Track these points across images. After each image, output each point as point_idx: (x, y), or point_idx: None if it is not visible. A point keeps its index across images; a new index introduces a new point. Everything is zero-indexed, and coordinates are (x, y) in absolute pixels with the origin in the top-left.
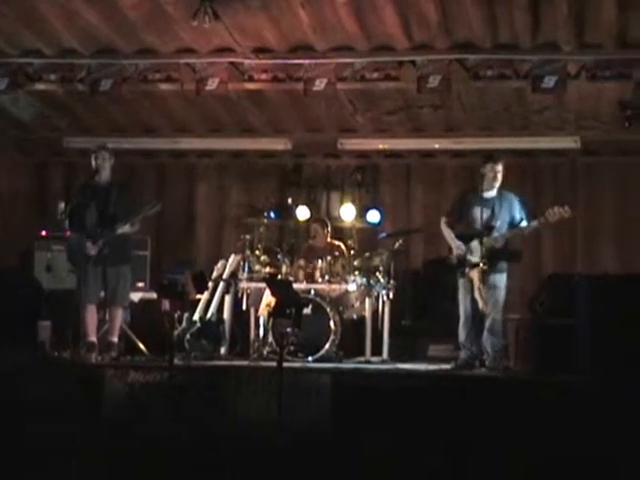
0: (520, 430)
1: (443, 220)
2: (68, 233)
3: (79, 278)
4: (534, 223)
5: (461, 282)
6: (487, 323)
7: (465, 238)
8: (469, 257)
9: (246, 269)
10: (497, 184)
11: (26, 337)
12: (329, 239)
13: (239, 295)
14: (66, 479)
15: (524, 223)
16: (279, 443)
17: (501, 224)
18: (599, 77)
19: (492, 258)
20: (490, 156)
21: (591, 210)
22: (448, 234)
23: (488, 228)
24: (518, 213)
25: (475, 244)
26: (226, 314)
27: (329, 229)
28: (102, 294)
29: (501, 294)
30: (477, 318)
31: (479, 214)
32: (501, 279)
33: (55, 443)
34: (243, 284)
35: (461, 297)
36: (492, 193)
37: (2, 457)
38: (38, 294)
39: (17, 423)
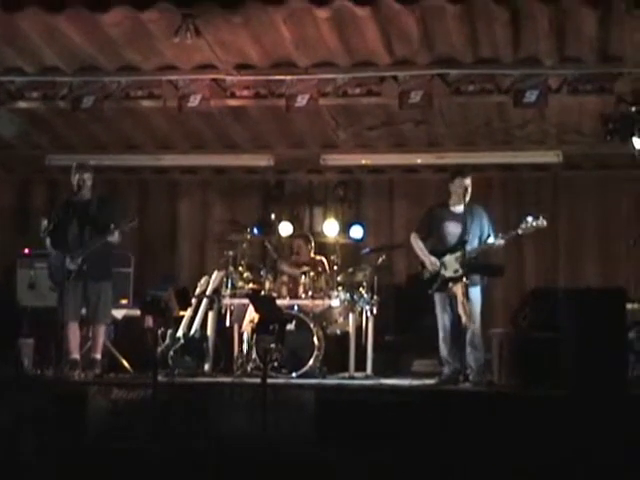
0: (504, 444)
1: (413, 235)
2: (49, 251)
3: (60, 295)
4: (505, 236)
5: (437, 297)
6: (467, 337)
7: (438, 253)
8: (443, 272)
9: (229, 285)
10: (467, 198)
11: (6, 355)
12: (312, 255)
13: (222, 311)
14: None
15: (491, 238)
16: (263, 459)
17: (472, 238)
18: (580, 91)
19: (471, 272)
20: (458, 171)
21: (573, 223)
22: (420, 249)
23: (462, 242)
24: (487, 227)
25: (449, 258)
26: (210, 330)
27: (312, 245)
28: (84, 311)
29: (477, 307)
30: (457, 332)
31: (451, 229)
32: (476, 292)
33: (37, 460)
34: (226, 300)
35: (439, 312)
36: (461, 207)
37: None
38: (18, 312)
39: None
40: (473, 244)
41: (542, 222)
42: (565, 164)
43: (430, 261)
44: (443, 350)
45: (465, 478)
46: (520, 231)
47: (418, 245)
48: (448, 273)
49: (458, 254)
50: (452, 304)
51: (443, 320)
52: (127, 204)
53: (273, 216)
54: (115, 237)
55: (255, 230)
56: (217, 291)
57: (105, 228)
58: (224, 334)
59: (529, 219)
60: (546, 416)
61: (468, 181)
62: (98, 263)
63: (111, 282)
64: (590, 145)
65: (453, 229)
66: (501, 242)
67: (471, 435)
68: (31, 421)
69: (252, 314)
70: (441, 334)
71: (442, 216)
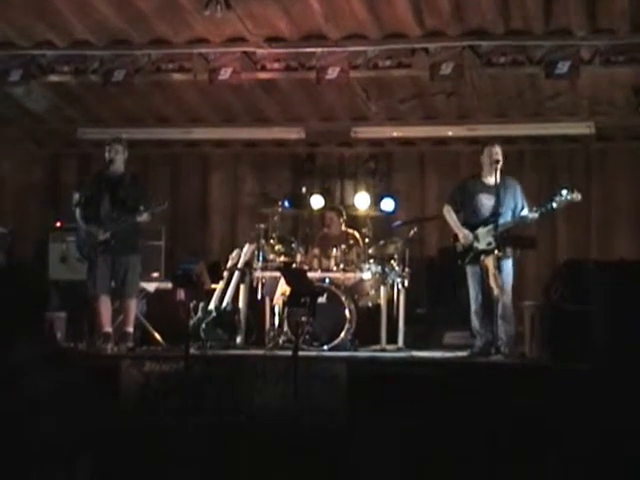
0: (536, 417)
1: (446, 208)
2: (79, 224)
3: (89, 269)
4: (540, 209)
5: (469, 270)
6: (499, 310)
7: (471, 226)
8: (476, 245)
9: (261, 258)
10: (498, 168)
11: (36, 330)
12: (344, 228)
13: (254, 284)
14: (83, 469)
15: (525, 211)
16: (295, 431)
17: (505, 210)
18: (612, 62)
19: (504, 245)
20: (486, 142)
21: (606, 196)
22: (453, 221)
23: (496, 215)
24: (520, 200)
25: (482, 231)
26: (241, 303)
27: (344, 218)
28: (112, 284)
29: (509, 279)
30: (489, 305)
31: (484, 201)
32: (508, 265)
33: (70, 435)
34: (258, 273)
35: (471, 285)
36: (495, 179)
37: (16, 451)
38: (50, 286)
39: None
40: (506, 217)
41: (577, 196)
42: (597, 136)
43: (463, 234)
44: (475, 322)
45: (496, 448)
46: (555, 204)
47: (451, 217)
48: (481, 246)
49: (491, 227)
50: (484, 276)
51: (475, 292)
52: (159, 180)
53: (304, 189)
54: (144, 218)
55: (286, 203)
56: (248, 264)
57: (135, 207)
58: (256, 307)
59: (564, 192)
60: (577, 389)
61: (497, 149)
62: (125, 237)
63: (139, 256)
64: (622, 116)
65: (486, 201)
66: (535, 215)
67: (502, 407)
68: (64, 394)
69: (283, 287)
70: (473, 306)
71: (475, 188)
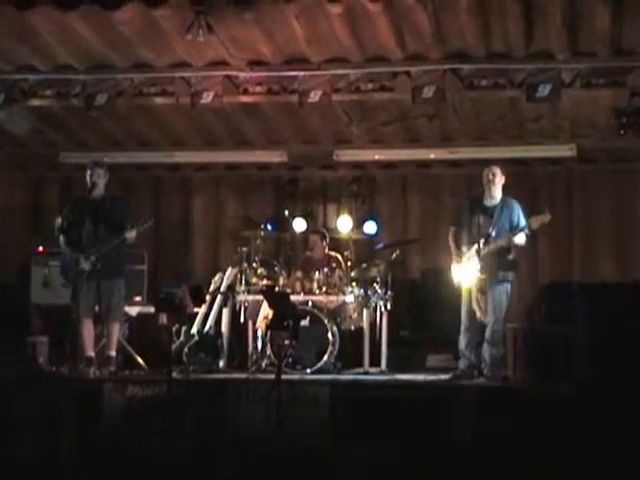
0: (519, 439)
1: (451, 230)
2: (63, 248)
3: (73, 293)
4: (514, 230)
5: (463, 291)
6: (487, 334)
7: (467, 245)
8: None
9: (243, 282)
10: (497, 189)
11: (17, 352)
12: (327, 250)
13: (237, 308)
14: None
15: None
16: (278, 455)
17: (498, 232)
18: (593, 85)
19: (490, 267)
20: (485, 163)
21: (588, 218)
22: (453, 247)
23: (485, 236)
24: (517, 219)
25: (472, 253)
26: (224, 327)
27: (327, 241)
28: (97, 308)
29: (501, 304)
30: (477, 327)
31: (480, 222)
32: (502, 289)
33: (50, 459)
34: (241, 297)
35: (463, 305)
36: (494, 201)
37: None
38: (32, 310)
39: (9, 439)
40: (497, 238)
41: (546, 216)
42: (579, 158)
43: (454, 255)
44: (462, 342)
45: (480, 470)
46: (530, 227)
47: (451, 241)
48: (470, 267)
49: (478, 248)
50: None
51: (464, 313)
52: (141, 203)
53: (287, 212)
54: (132, 236)
55: (269, 226)
56: (231, 287)
57: (120, 227)
58: (238, 330)
59: (536, 215)
60: (560, 412)
61: (495, 170)
62: (111, 261)
63: (124, 279)
64: (604, 139)
65: (482, 222)
66: (502, 242)
67: (486, 429)
68: (46, 418)
69: (266, 310)
70: (463, 326)
71: (473, 209)
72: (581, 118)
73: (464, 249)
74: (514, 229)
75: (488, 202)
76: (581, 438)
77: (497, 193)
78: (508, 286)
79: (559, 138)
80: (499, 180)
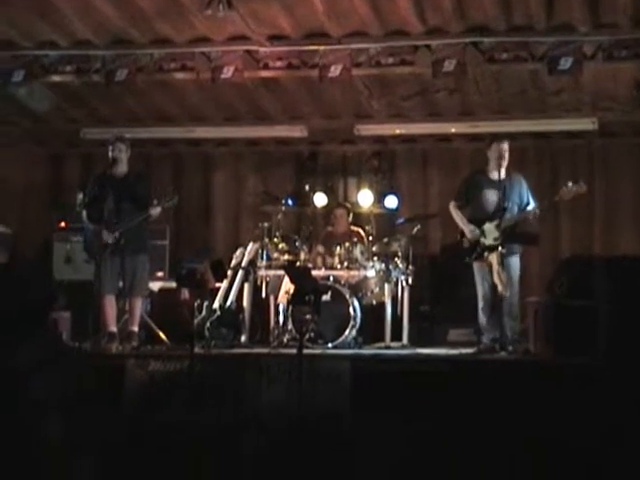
0: (540, 413)
1: (452, 204)
2: (85, 224)
3: (96, 269)
4: (545, 203)
5: (476, 266)
6: (505, 307)
7: (478, 221)
8: (482, 240)
9: (264, 257)
10: (504, 164)
11: (41, 330)
12: (350, 225)
13: (258, 283)
14: (86, 468)
15: (531, 205)
16: (300, 429)
17: (511, 205)
18: (615, 57)
19: (508, 241)
20: (495, 137)
21: (609, 191)
22: (459, 218)
23: (502, 210)
24: (526, 195)
25: (488, 227)
26: (245, 302)
27: (351, 215)
28: (120, 284)
29: (516, 276)
30: (496, 301)
31: (490, 196)
32: (515, 261)
33: (75, 435)
34: (262, 272)
35: (478, 281)
36: (501, 174)
37: (21, 451)
38: (53, 286)
39: (33, 416)
40: (512, 212)
41: (582, 187)
42: (600, 131)
43: (469, 229)
44: (482, 319)
45: (500, 447)
46: (558, 198)
47: (457, 213)
48: (488, 241)
49: (497, 222)
50: (490, 273)
51: (482, 289)
52: (161, 179)
53: (307, 187)
54: (157, 213)
55: (289, 201)
56: (252, 263)
57: (143, 203)
58: (260, 305)
59: (569, 184)
60: (581, 385)
61: (505, 146)
62: (135, 237)
63: (148, 255)
64: (625, 112)
65: (492, 197)
66: (537, 211)
67: (508, 403)
68: (69, 395)
69: (288, 285)
70: (480, 303)
71: (480, 184)
72: (602, 91)
73: (477, 223)
74: (524, 204)
75: (494, 176)
76: (602, 411)
77: (504, 167)
78: (518, 258)
79: (580, 111)
80: (508, 154)
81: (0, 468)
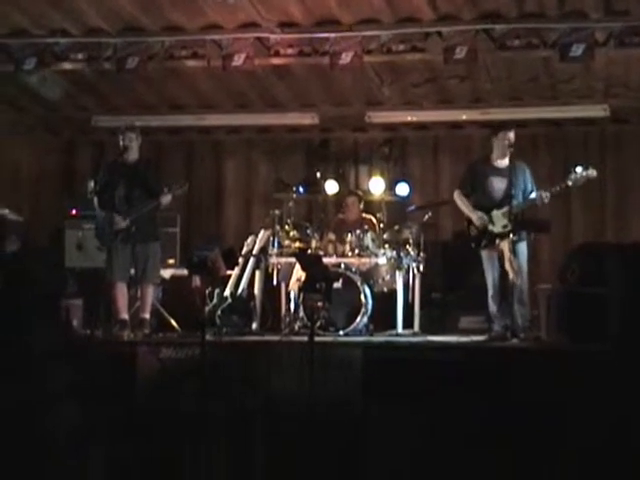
0: (552, 400)
1: (456, 192)
2: (97, 211)
3: (108, 256)
4: (555, 188)
5: (485, 253)
6: (516, 294)
7: (484, 209)
8: (491, 228)
9: (276, 244)
10: (509, 152)
11: (53, 317)
12: (361, 213)
13: (269, 270)
14: (99, 454)
15: (533, 194)
16: (311, 416)
17: (517, 193)
18: (627, 44)
19: (518, 228)
20: (502, 125)
21: (621, 178)
22: (465, 205)
23: (510, 197)
24: (530, 183)
25: (496, 214)
26: (257, 289)
27: (362, 203)
28: (132, 272)
29: (524, 263)
30: (506, 289)
31: (496, 184)
32: (523, 248)
33: (87, 421)
34: (273, 259)
35: (487, 269)
36: (505, 162)
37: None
38: (65, 273)
39: (47, 404)
40: (518, 199)
41: (592, 172)
42: (612, 118)
43: (477, 216)
44: (492, 307)
45: (513, 432)
46: (570, 182)
47: (463, 201)
48: (496, 229)
49: (505, 209)
50: (500, 260)
51: (492, 277)
52: (173, 166)
53: (318, 174)
54: (167, 200)
55: (300, 189)
56: (264, 250)
57: (154, 191)
58: (271, 293)
59: (578, 169)
60: (593, 372)
61: (512, 135)
62: (146, 224)
63: (159, 243)
64: (637, 98)
65: (498, 184)
66: (547, 195)
67: (519, 391)
68: (81, 382)
69: (299, 272)
70: (490, 291)
71: (485, 171)
72: (614, 78)
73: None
74: (528, 192)
75: (499, 164)
76: (614, 397)
77: (508, 155)
78: (525, 245)
79: (592, 98)
80: (514, 143)
81: (13, 454)
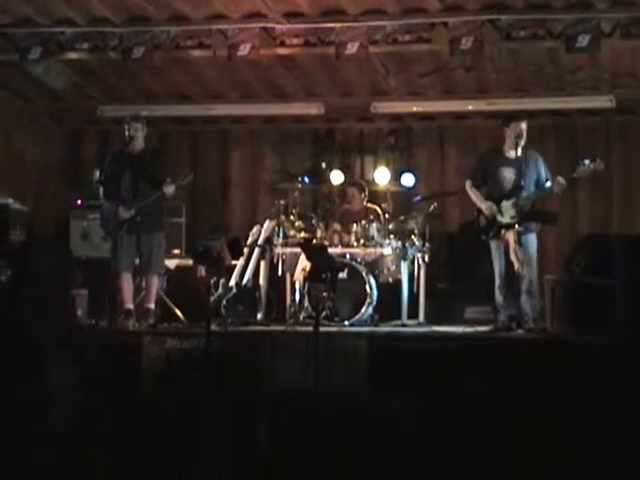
0: (557, 391)
1: (468, 183)
2: (102, 201)
3: (113, 246)
4: (562, 180)
5: (493, 244)
6: (524, 285)
7: (494, 199)
8: (500, 218)
9: (281, 234)
10: (522, 143)
11: (60, 307)
12: (365, 203)
13: (274, 260)
14: (106, 446)
15: (548, 183)
16: (316, 407)
17: (528, 183)
18: (633, 34)
19: (525, 219)
20: (513, 116)
21: (627, 169)
22: (476, 196)
23: (518, 188)
24: (543, 172)
25: (505, 204)
26: (262, 280)
27: (366, 193)
28: (137, 262)
29: (534, 254)
30: (513, 280)
31: (507, 174)
32: (532, 239)
33: (94, 410)
34: (278, 249)
35: (495, 259)
36: (517, 152)
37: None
38: (72, 264)
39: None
40: (529, 190)
41: (599, 164)
42: (618, 109)
43: (486, 205)
44: (499, 297)
45: (518, 422)
46: (576, 175)
47: (473, 192)
48: (505, 219)
49: (514, 200)
50: (506, 251)
51: (499, 267)
52: (179, 156)
53: (324, 165)
54: (171, 190)
55: (306, 179)
56: (269, 240)
57: (160, 181)
58: (276, 283)
59: (586, 162)
60: (598, 363)
61: (524, 125)
62: (151, 215)
63: (164, 233)
64: None
65: (508, 175)
66: (563, 182)
67: (525, 381)
68: (86, 371)
69: (304, 263)
70: (497, 281)
71: (496, 162)
72: (620, 69)
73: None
74: (542, 181)
75: (510, 154)
76: (619, 389)
77: (521, 146)
78: (535, 236)
79: (598, 89)
80: (525, 134)
81: (16, 446)
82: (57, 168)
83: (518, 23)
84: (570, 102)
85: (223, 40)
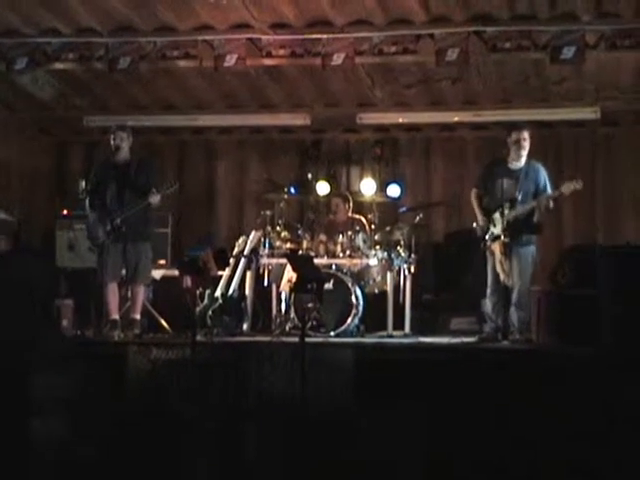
0: (542, 402)
1: (473, 191)
2: (88, 211)
3: (99, 256)
4: (549, 194)
5: (488, 254)
6: (513, 297)
7: (490, 210)
8: (492, 229)
9: (267, 245)
10: (524, 152)
11: (45, 317)
12: (350, 214)
13: (260, 271)
14: (89, 457)
15: (545, 193)
16: (302, 418)
17: (524, 195)
18: (618, 46)
19: (514, 230)
20: (514, 125)
21: (612, 180)
22: (475, 205)
23: (510, 200)
24: (543, 182)
25: (497, 216)
26: (248, 290)
27: (350, 204)
28: (123, 272)
29: (527, 267)
30: (502, 291)
31: (504, 185)
32: (527, 252)
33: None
34: (264, 260)
35: (489, 268)
36: (519, 164)
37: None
38: (58, 274)
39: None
40: (524, 202)
41: (578, 183)
42: (603, 120)
43: (480, 218)
44: (487, 306)
45: (501, 435)
46: (557, 194)
47: (473, 201)
48: (496, 230)
49: (505, 211)
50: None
51: (490, 277)
52: (165, 167)
53: (310, 175)
54: (157, 200)
55: (292, 189)
56: (255, 251)
57: (145, 191)
58: (262, 294)
59: (566, 183)
60: (584, 375)
61: (524, 134)
62: (137, 225)
63: (150, 243)
64: (628, 101)
65: (506, 186)
66: (548, 198)
67: (510, 392)
68: (72, 382)
69: (290, 273)
70: (489, 290)
71: (498, 172)
72: (605, 80)
73: (490, 211)
74: (540, 192)
75: (513, 165)
76: (604, 401)
77: (524, 156)
78: (533, 249)
79: (583, 100)
80: (528, 143)
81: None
82: (43, 178)
83: (503, 34)
84: (555, 113)
85: (209, 51)
